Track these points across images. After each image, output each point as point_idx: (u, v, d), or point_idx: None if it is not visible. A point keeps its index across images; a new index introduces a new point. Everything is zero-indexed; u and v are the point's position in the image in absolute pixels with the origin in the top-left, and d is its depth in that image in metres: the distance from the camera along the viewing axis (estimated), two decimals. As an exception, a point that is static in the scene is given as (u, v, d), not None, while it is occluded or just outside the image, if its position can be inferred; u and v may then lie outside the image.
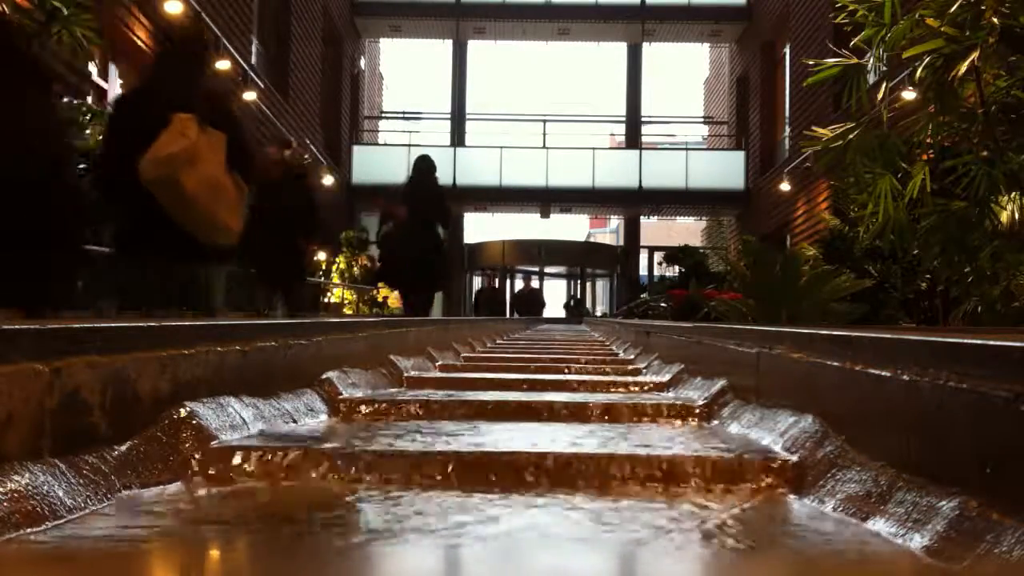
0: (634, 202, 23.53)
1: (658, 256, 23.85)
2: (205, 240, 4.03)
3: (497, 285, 23.52)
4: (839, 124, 4.14)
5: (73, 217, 4.08)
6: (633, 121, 25.06)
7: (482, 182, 22.08)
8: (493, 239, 26.16)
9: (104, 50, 9.66)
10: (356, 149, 23.56)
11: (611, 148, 26.72)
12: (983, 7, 3.47)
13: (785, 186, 17.89)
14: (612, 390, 3.83)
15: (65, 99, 5.78)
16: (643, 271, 25.95)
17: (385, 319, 6.06)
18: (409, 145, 23.86)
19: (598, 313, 26.30)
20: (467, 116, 25.27)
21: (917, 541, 1.36)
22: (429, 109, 39.46)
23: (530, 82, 66.27)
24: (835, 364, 1.97)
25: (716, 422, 2.74)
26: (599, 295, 29.97)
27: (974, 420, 1.36)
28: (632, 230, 25.73)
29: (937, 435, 1.49)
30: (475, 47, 26.57)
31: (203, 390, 2.11)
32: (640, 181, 22.66)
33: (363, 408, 2.84)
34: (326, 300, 16.18)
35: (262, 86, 14.21)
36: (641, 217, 25.46)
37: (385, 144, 26.57)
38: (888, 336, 1.82)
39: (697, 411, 2.88)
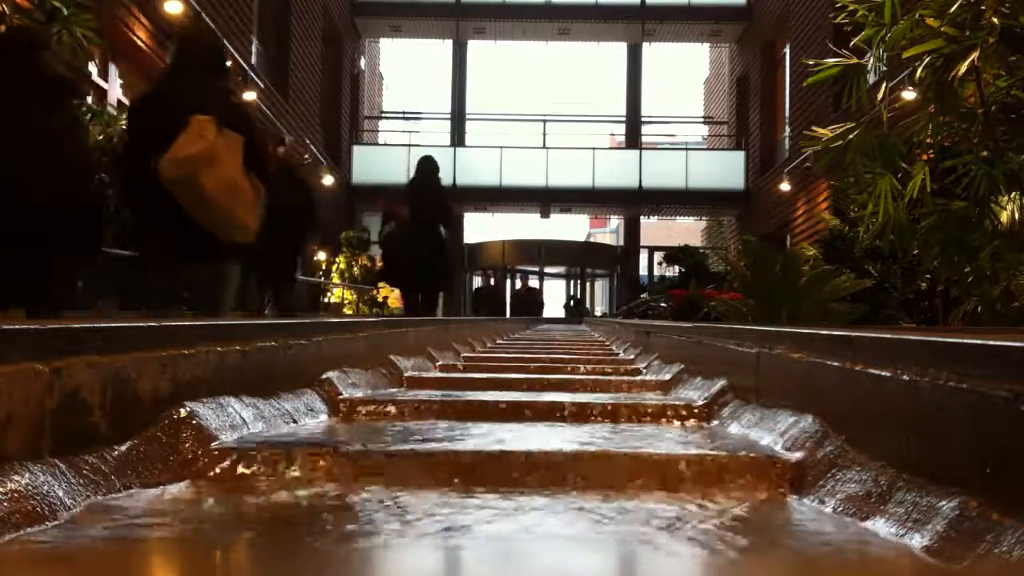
0: (634, 202, 23.54)
1: (658, 256, 23.86)
2: (223, 238, 4.09)
3: (496, 285, 23.51)
4: (839, 124, 4.14)
5: (95, 221, 4.24)
6: (633, 121, 25.07)
7: (482, 182, 22.09)
8: (493, 239, 26.16)
9: (104, 50, 9.67)
10: (356, 149, 23.57)
11: (611, 148, 26.73)
12: (983, 7, 3.47)
13: (785, 186, 17.89)
14: (612, 390, 3.83)
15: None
16: (643, 271, 25.95)
17: (385, 319, 6.07)
18: (409, 145, 23.88)
19: (597, 313, 26.31)
20: (467, 116, 25.28)
21: (917, 541, 1.36)
22: (429, 109, 39.56)
23: (530, 82, 66.37)
24: (835, 364, 1.97)
25: (716, 422, 2.74)
26: (599, 295, 29.98)
27: (974, 420, 1.36)
28: (632, 230, 25.73)
29: (937, 435, 1.49)
30: (475, 47, 26.60)
31: (203, 390, 2.10)
32: (640, 181, 22.67)
33: (363, 408, 2.84)
34: (326, 300, 16.18)
35: (262, 86, 14.21)
36: (641, 217, 25.47)
37: (385, 144, 26.58)
38: (888, 336, 1.82)
39: (697, 411, 2.88)
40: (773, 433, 2.19)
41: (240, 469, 1.89)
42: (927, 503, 1.41)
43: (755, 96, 22.09)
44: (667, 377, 4.00)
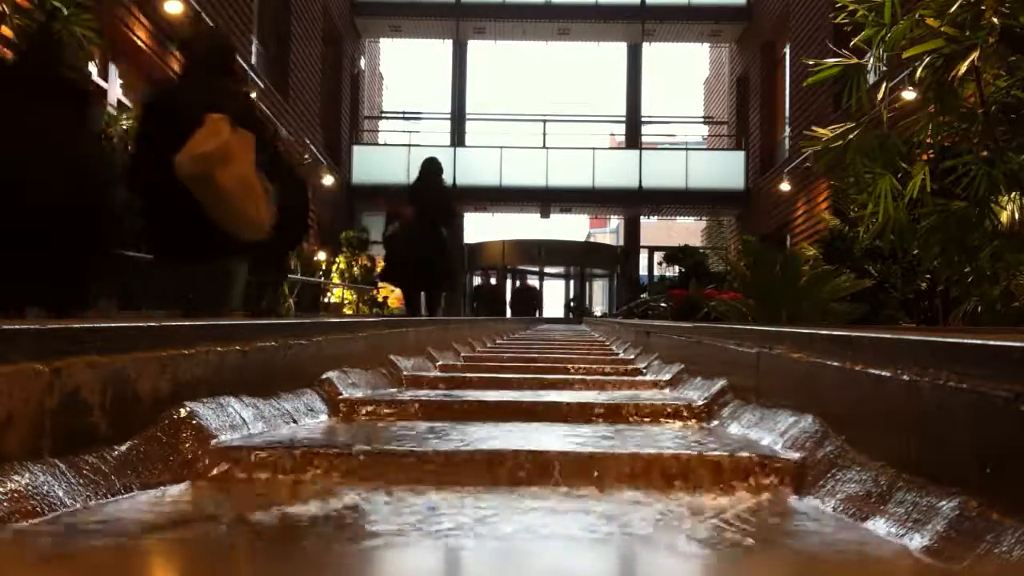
0: (634, 202, 23.54)
1: (658, 256, 23.85)
2: (236, 234, 4.17)
3: (496, 284, 23.51)
4: (839, 124, 4.14)
5: (114, 225, 4.41)
6: (633, 121, 25.07)
7: (482, 182, 22.09)
8: (493, 239, 26.16)
9: (104, 50, 9.66)
10: (356, 149, 23.57)
11: (611, 148, 26.73)
12: (983, 7, 3.47)
13: (785, 186, 17.90)
14: (612, 389, 3.83)
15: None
16: (643, 271, 25.95)
17: (385, 319, 6.07)
18: (409, 145, 23.89)
19: (597, 313, 26.31)
20: (467, 116, 25.28)
21: (917, 541, 1.36)
22: (429, 109, 39.55)
23: (530, 82, 66.34)
24: (835, 364, 1.97)
25: (716, 422, 2.74)
26: (599, 295, 29.98)
27: (974, 420, 1.36)
28: (632, 230, 25.73)
29: (937, 435, 1.49)
30: (475, 47, 26.60)
31: (203, 390, 2.10)
32: (640, 181, 22.67)
33: (363, 408, 2.84)
34: (326, 300, 16.18)
35: (262, 86, 14.21)
36: (641, 217, 25.47)
37: (385, 144, 26.58)
38: (888, 336, 1.82)
39: (697, 411, 2.88)
40: (773, 433, 2.19)
41: (240, 469, 1.89)
42: (927, 503, 1.41)
43: (755, 96, 22.09)
44: (667, 377, 4.00)
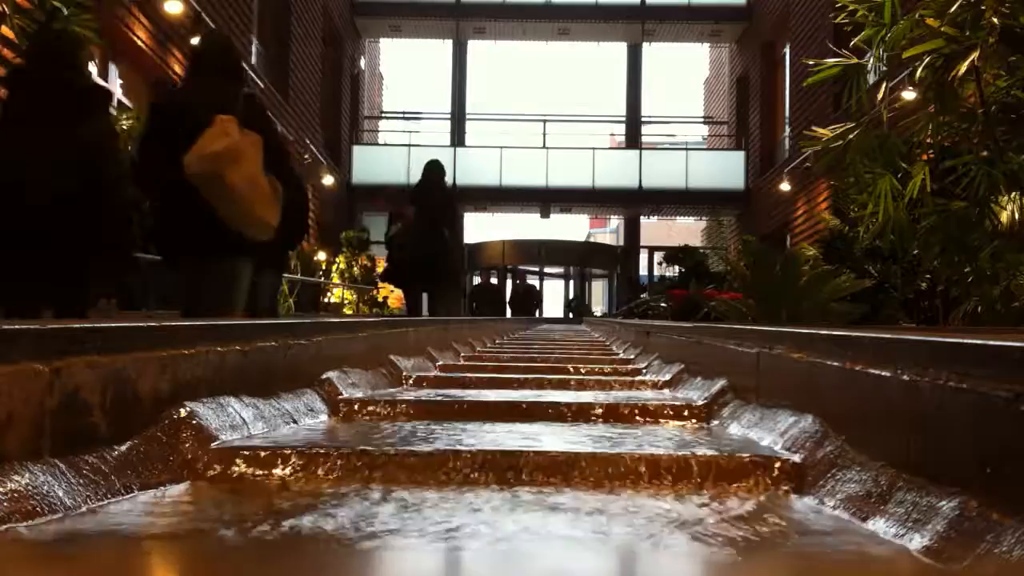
0: (634, 202, 23.55)
1: (658, 256, 23.84)
2: (245, 234, 4.22)
3: (496, 284, 23.49)
4: (839, 124, 4.14)
5: (123, 225, 4.46)
6: (633, 121, 25.07)
7: (482, 182, 22.09)
8: (493, 239, 26.16)
9: (104, 50, 9.67)
10: (356, 149, 23.58)
11: (611, 148, 26.73)
12: (983, 7, 3.47)
13: (785, 186, 17.90)
14: (612, 389, 3.83)
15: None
16: (643, 271, 25.95)
17: (385, 319, 6.07)
18: (409, 145, 23.91)
19: (597, 313, 26.30)
20: (467, 116, 25.29)
21: (917, 541, 1.36)
22: (429, 109, 39.55)
23: (530, 82, 66.27)
24: (835, 364, 1.97)
25: (716, 422, 2.74)
26: (599, 295, 29.98)
27: (974, 420, 1.36)
28: (632, 230, 25.73)
29: (937, 435, 1.49)
30: (475, 47, 26.60)
31: (203, 390, 2.10)
32: (640, 181, 22.68)
33: (363, 408, 2.84)
34: (326, 300, 16.18)
35: (262, 86, 14.21)
36: (641, 217, 25.47)
37: (385, 144, 26.59)
38: (888, 336, 1.82)
39: (697, 411, 2.88)
40: (773, 433, 2.19)
41: (240, 469, 1.89)
42: (927, 503, 1.41)
43: (755, 96, 22.09)
44: (667, 377, 4.00)
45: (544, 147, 23.92)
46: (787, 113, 19.56)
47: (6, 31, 5.96)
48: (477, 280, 23.54)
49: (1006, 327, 4.67)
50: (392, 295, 17.08)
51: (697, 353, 3.85)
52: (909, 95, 4.42)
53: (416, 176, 9.44)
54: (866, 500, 1.58)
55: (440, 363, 4.96)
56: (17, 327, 1.53)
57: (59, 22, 5.31)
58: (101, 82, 9.87)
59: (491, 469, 1.89)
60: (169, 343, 2.01)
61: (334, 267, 17.17)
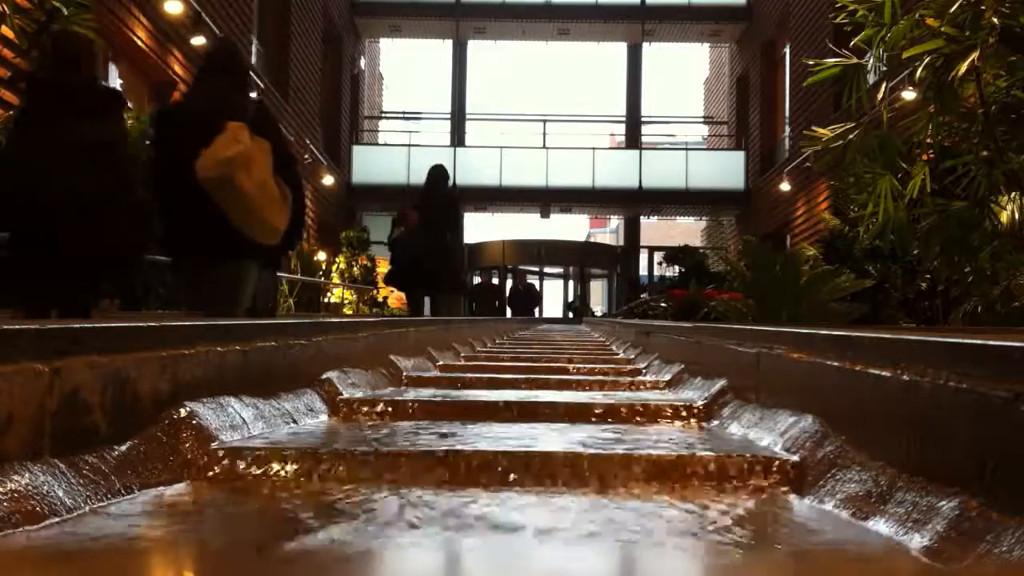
0: (634, 202, 23.54)
1: (658, 256, 23.85)
2: (255, 238, 4.31)
3: (496, 284, 23.48)
4: (839, 124, 4.14)
5: (138, 227, 4.55)
6: (633, 121, 25.07)
7: (482, 182, 22.09)
8: (493, 239, 26.16)
9: (104, 50, 9.66)
10: (356, 149, 23.57)
11: (611, 148, 26.73)
12: (983, 7, 3.47)
13: (785, 186, 17.90)
14: (612, 389, 3.83)
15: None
16: (643, 271, 25.95)
17: (385, 319, 6.07)
18: (409, 145, 23.91)
19: (597, 313, 26.29)
20: (467, 116, 25.28)
21: (917, 541, 1.36)
22: (429, 109, 39.52)
23: (530, 82, 66.26)
24: (835, 364, 1.97)
25: (716, 422, 2.74)
26: (599, 295, 29.96)
27: (974, 420, 1.36)
28: (632, 230, 25.72)
29: (937, 435, 1.49)
30: (475, 47, 26.60)
31: (203, 390, 2.11)
32: (640, 181, 22.67)
33: (363, 408, 2.84)
34: (326, 300, 16.18)
35: (262, 86, 14.21)
36: (641, 217, 25.46)
37: (385, 144, 26.58)
38: (888, 336, 1.82)
39: (697, 411, 2.87)
40: (773, 433, 2.19)
41: (240, 469, 1.89)
42: (927, 503, 1.41)
43: (755, 96, 22.09)
44: (667, 377, 4.00)
45: (544, 147, 23.91)
46: (787, 113, 19.56)
47: (6, 31, 5.96)
48: (477, 280, 23.54)
49: (1006, 327, 4.67)
50: (392, 295, 17.08)
51: (697, 353, 3.85)
52: (909, 95, 4.43)
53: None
54: (866, 500, 1.58)
55: (440, 363, 4.96)
56: (17, 327, 1.53)
57: (59, 22, 5.31)
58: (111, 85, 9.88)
59: (491, 469, 1.89)
60: (169, 343, 2.01)
61: (334, 267, 17.16)
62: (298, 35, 17.60)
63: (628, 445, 2.19)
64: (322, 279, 15.88)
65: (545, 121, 25.54)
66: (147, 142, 5.53)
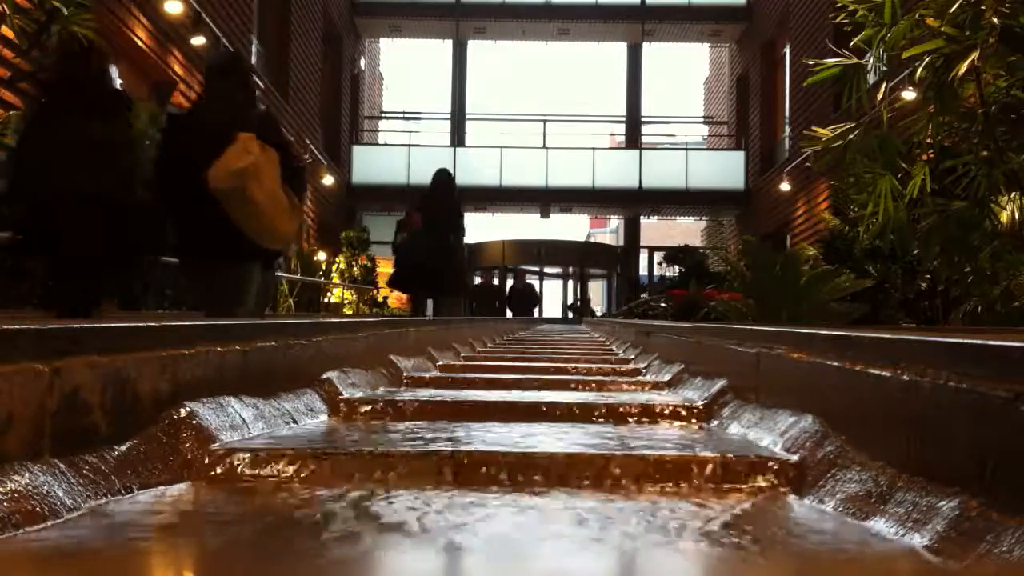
0: (634, 202, 23.53)
1: (658, 256, 23.84)
2: (266, 245, 4.47)
3: (496, 284, 23.48)
4: (839, 124, 4.14)
5: (138, 228, 4.60)
6: (633, 121, 25.06)
7: (482, 182, 22.07)
8: (493, 239, 26.15)
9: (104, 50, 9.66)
10: (356, 149, 23.56)
11: (611, 148, 26.72)
12: (983, 7, 3.47)
13: (785, 186, 17.90)
14: (612, 389, 3.83)
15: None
16: (643, 271, 25.94)
17: (385, 319, 6.07)
18: (409, 145, 23.90)
19: (598, 313, 26.29)
20: (467, 116, 25.27)
21: (917, 541, 1.36)
22: (429, 109, 39.47)
23: (530, 82, 66.21)
24: (835, 364, 1.97)
25: (716, 422, 2.74)
26: (598, 295, 29.95)
27: (974, 420, 1.36)
28: (632, 230, 25.72)
29: (937, 435, 1.49)
30: (475, 47, 26.59)
31: (203, 390, 2.11)
32: (640, 181, 22.67)
33: (363, 408, 2.84)
34: (326, 300, 16.17)
35: (262, 86, 14.20)
36: (641, 217, 25.46)
37: (385, 144, 26.58)
38: (888, 336, 1.82)
39: (697, 411, 2.87)
40: (773, 433, 2.19)
41: (240, 470, 1.89)
42: (927, 503, 1.41)
43: (755, 96, 22.09)
44: (667, 377, 4.00)
45: (544, 147, 23.91)
46: (787, 113, 19.55)
47: (6, 31, 5.95)
48: (477, 280, 23.54)
49: (1006, 327, 4.67)
50: (392, 295, 17.07)
51: (697, 353, 3.85)
52: (909, 95, 4.42)
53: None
54: (866, 500, 1.58)
55: (440, 363, 4.96)
56: (17, 327, 1.53)
57: (59, 22, 5.31)
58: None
59: (491, 469, 1.89)
60: (169, 343, 2.01)
61: (334, 267, 17.16)
62: (298, 35, 17.60)
63: (627, 445, 2.19)
64: (322, 279, 15.88)
65: (545, 121, 25.54)
66: (147, 142, 5.52)
